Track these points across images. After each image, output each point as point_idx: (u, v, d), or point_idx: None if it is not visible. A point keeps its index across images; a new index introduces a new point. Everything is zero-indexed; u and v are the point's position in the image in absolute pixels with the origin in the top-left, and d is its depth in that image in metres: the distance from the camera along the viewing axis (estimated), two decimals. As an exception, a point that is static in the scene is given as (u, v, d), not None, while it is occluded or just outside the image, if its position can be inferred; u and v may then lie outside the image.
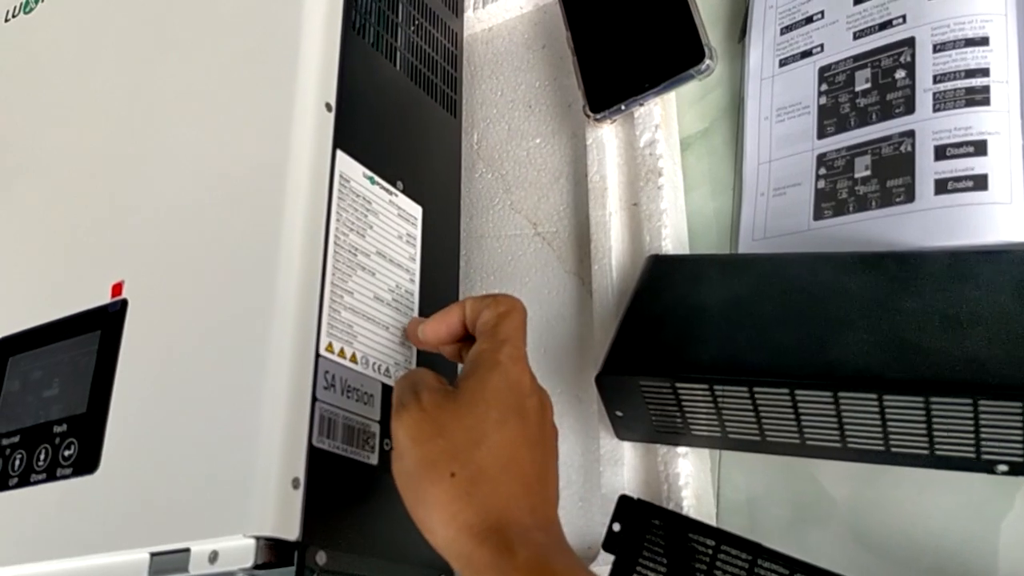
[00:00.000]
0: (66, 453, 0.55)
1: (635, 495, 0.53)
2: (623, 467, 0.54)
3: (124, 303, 0.57)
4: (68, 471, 0.54)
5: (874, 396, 0.46)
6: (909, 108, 0.54)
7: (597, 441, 0.57)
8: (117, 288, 0.58)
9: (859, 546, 0.51)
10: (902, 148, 0.54)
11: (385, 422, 0.54)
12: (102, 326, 0.57)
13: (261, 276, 0.51)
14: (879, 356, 0.46)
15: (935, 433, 0.46)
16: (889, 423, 0.47)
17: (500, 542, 0.40)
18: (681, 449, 0.53)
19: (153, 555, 0.49)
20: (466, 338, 0.51)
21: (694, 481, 0.53)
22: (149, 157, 0.60)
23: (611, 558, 0.52)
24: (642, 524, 0.52)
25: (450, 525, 0.42)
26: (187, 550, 0.48)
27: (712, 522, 0.54)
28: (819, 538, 0.52)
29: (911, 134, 0.54)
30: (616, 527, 0.52)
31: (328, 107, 0.56)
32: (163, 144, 0.59)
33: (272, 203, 0.52)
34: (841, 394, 0.46)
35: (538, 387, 0.47)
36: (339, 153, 0.56)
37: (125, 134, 0.62)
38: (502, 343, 0.46)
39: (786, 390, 0.47)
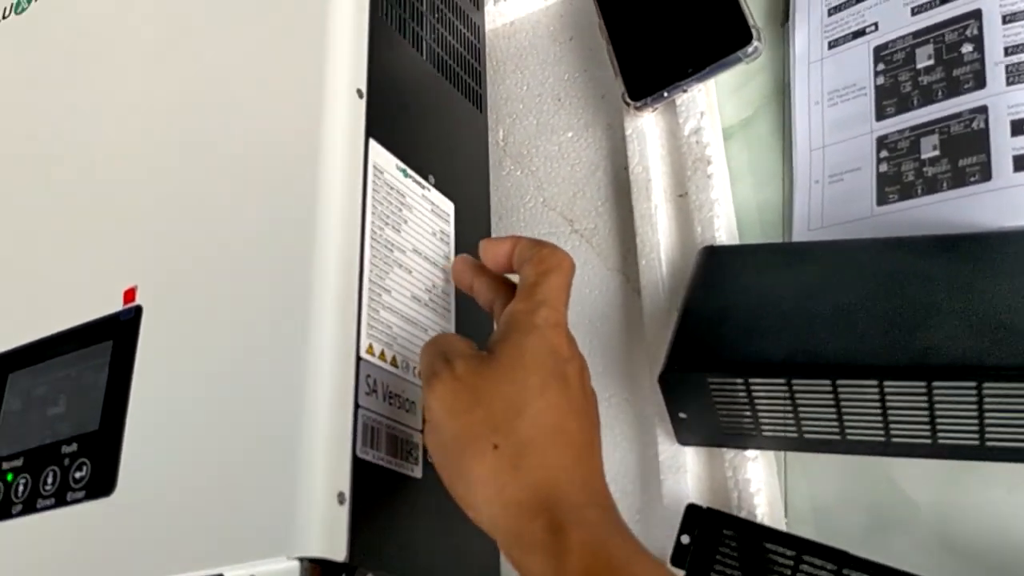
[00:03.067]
0: (77, 475, 0.50)
1: (701, 504, 0.49)
2: (686, 474, 0.50)
3: (138, 310, 0.52)
4: (80, 494, 0.49)
5: (973, 385, 0.42)
6: (979, 83, 0.51)
7: (653, 448, 0.53)
8: (130, 294, 0.53)
9: (948, 554, 0.47)
10: (974, 125, 0.51)
11: (428, 432, 0.50)
12: (114, 336, 0.52)
13: (296, 270, 0.46)
14: (976, 341, 0.43)
15: (1039, 424, 0.42)
16: (987, 414, 0.43)
17: (551, 520, 0.37)
18: (751, 452, 0.49)
19: (181, 582, 0.44)
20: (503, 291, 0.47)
21: (766, 487, 0.49)
22: (162, 150, 0.55)
23: (681, 573, 0.48)
24: (713, 535, 0.48)
25: (495, 501, 0.38)
26: (219, 576, 0.43)
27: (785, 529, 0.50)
28: (902, 547, 0.48)
29: (983, 110, 0.50)
30: (685, 539, 0.48)
31: (360, 93, 0.52)
32: (178, 136, 0.55)
33: (305, 193, 0.48)
34: (936, 384, 0.43)
35: (577, 352, 0.43)
36: (372, 142, 0.52)
37: (135, 128, 0.57)
38: (539, 304, 0.42)
39: (874, 382, 0.44)
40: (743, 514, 0.48)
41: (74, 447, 0.51)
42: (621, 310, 0.59)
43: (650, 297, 0.55)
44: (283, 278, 0.47)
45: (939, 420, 0.44)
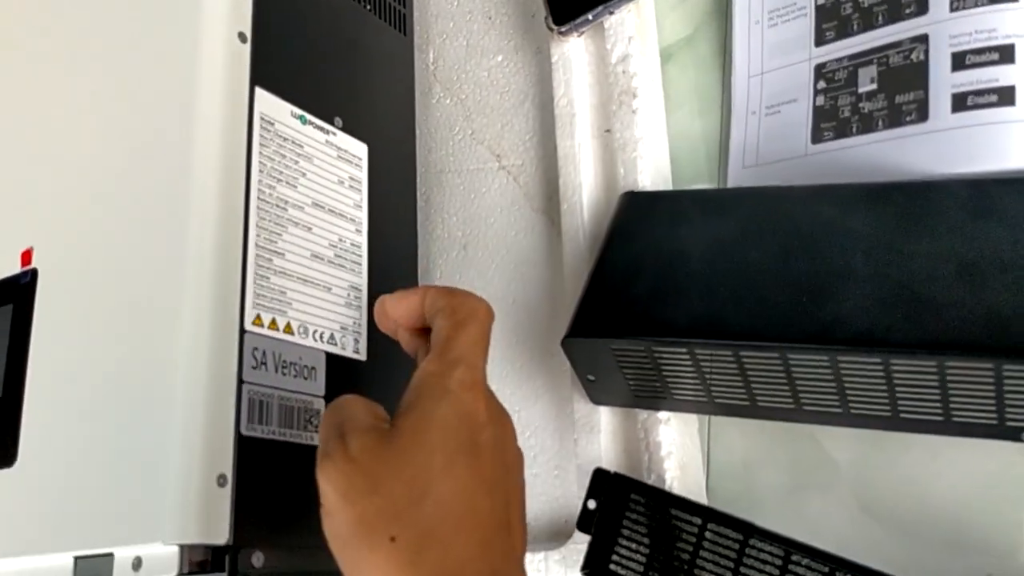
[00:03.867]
0: (-16, 442, 0.49)
1: (613, 466, 0.48)
2: (599, 434, 0.49)
3: (34, 273, 0.50)
4: (-14, 462, 0.49)
5: (879, 360, 0.39)
6: (922, 8, 0.46)
7: (572, 404, 0.51)
8: (27, 256, 0.51)
9: (866, 516, 0.45)
10: (913, 56, 0.46)
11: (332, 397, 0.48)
12: (14, 299, 0.51)
13: (170, 243, 0.44)
14: (884, 313, 0.39)
15: (951, 398, 0.40)
16: (897, 388, 0.40)
17: None
18: (663, 414, 0.47)
19: (77, 559, 0.44)
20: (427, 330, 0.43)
21: (678, 450, 0.47)
22: (50, 107, 0.52)
23: (587, 538, 0.47)
24: (620, 500, 0.46)
25: None
26: (110, 555, 0.43)
27: (702, 490, 0.49)
28: (821, 507, 0.47)
29: (924, 39, 0.45)
30: (591, 504, 0.47)
31: (242, 37, 0.48)
32: (64, 92, 0.52)
33: (179, 157, 0.45)
34: (841, 358, 0.40)
35: (496, 414, 0.38)
36: (259, 91, 0.48)
37: (21, 84, 0.54)
38: (453, 365, 0.38)
39: (776, 354, 0.41)
40: (653, 478, 0.47)
41: (-19, 413, 0.50)
42: (546, 255, 0.56)
43: (571, 244, 0.52)
44: (158, 251, 0.44)
45: (848, 391, 0.41)
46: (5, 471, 0.48)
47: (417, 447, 0.36)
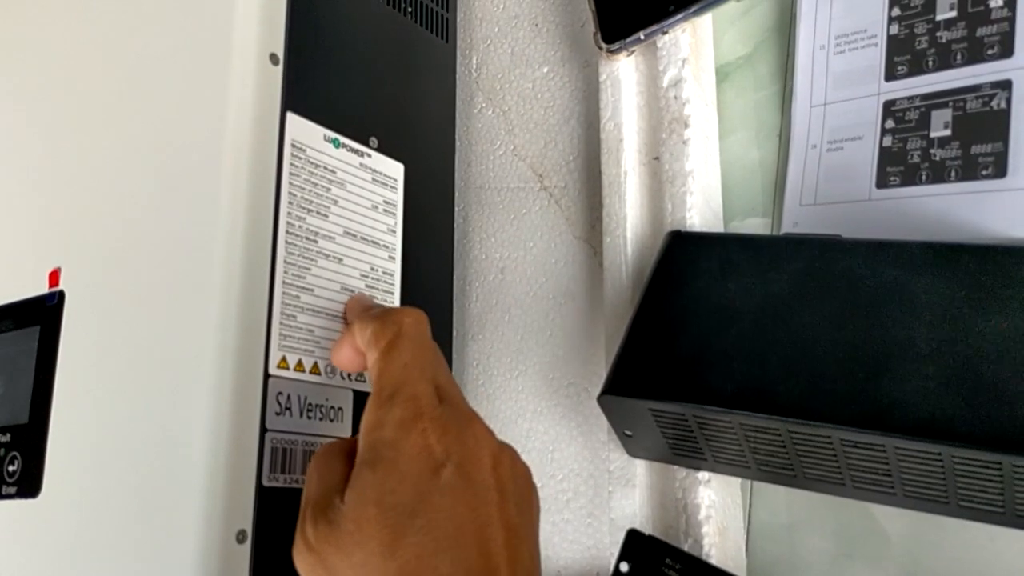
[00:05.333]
0: (10, 468, 0.49)
1: (648, 524, 0.46)
2: (635, 489, 0.46)
3: (61, 295, 0.49)
4: (12, 490, 0.48)
5: (938, 451, 0.36)
6: (1006, 50, 0.42)
7: (607, 450, 0.49)
8: (54, 276, 0.50)
9: (913, 594, 0.43)
10: (994, 104, 0.42)
11: (358, 437, 0.47)
12: (41, 321, 0.50)
13: (194, 287, 0.42)
14: (947, 398, 0.36)
15: (1016, 494, 0.37)
16: (957, 478, 0.37)
17: None
18: (703, 475, 0.45)
19: (94, 609, 0.44)
20: None
21: (718, 513, 0.45)
22: (79, 129, 0.51)
23: (617, 599, 0.45)
24: (654, 565, 0.44)
25: None
26: (126, 610, 0.42)
27: (741, 554, 0.46)
28: (865, 579, 0.44)
29: (1007, 85, 0.41)
30: (624, 567, 0.45)
31: (274, 59, 0.46)
32: (93, 116, 0.50)
33: (205, 188, 0.43)
34: (897, 444, 0.37)
35: (456, 436, 0.35)
36: (290, 116, 0.46)
37: (50, 106, 0.53)
38: (388, 404, 0.36)
39: (827, 433, 0.38)
40: (689, 542, 0.45)
41: (8, 437, 0.50)
42: (587, 286, 0.53)
43: (612, 280, 0.49)
44: (179, 292, 0.43)
45: (903, 476, 0.39)
46: (31, 502, 0.47)
47: (360, 529, 0.34)
